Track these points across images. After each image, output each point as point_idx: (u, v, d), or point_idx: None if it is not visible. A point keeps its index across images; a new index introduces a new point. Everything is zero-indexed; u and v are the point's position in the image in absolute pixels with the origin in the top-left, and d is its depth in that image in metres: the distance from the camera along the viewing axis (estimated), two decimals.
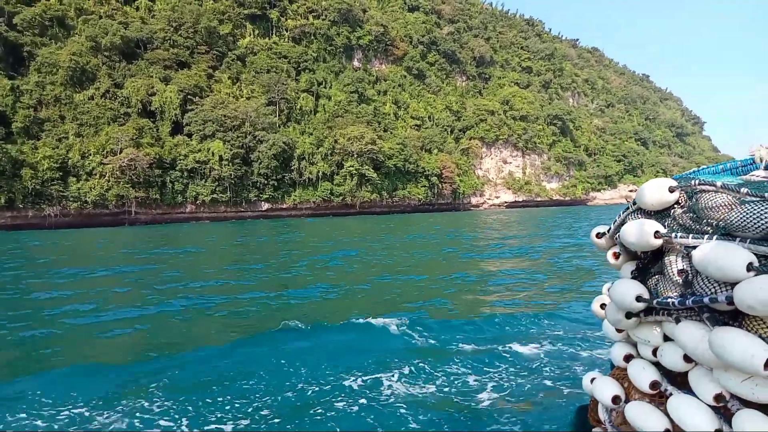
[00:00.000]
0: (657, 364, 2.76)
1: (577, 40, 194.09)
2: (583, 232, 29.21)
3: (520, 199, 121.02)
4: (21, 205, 58.50)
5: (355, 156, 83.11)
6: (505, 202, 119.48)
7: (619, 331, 3.17)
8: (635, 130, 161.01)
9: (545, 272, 14.44)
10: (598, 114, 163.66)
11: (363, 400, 5.13)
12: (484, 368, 5.94)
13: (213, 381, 5.88)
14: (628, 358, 3.01)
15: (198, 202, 72.15)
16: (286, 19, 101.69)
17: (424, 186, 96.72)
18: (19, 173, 58.10)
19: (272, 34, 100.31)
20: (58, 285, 14.27)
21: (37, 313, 10.43)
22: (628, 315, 2.77)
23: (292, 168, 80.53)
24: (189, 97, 76.44)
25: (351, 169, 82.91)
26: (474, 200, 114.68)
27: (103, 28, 74.86)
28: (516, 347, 6.68)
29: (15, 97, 64.10)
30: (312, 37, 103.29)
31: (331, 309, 10.18)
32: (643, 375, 2.74)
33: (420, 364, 6.14)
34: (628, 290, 2.67)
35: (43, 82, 67.48)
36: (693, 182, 2.68)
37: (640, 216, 2.83)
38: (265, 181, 77.13)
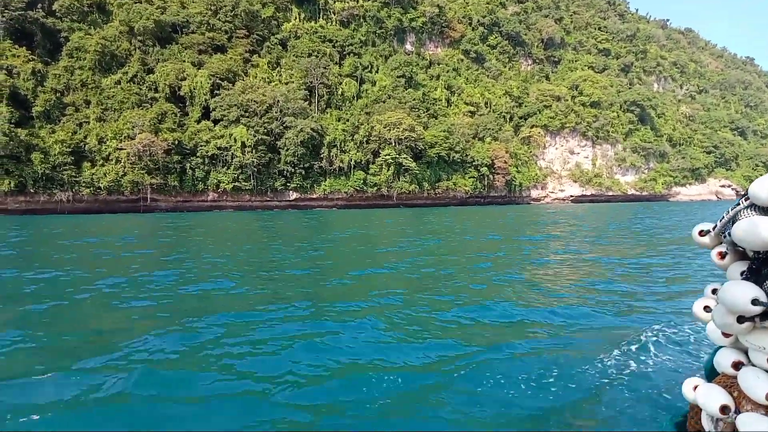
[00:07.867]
0: None
1: (668, 20, 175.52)
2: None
3: (588, 193, 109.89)
4: (32, 190, 57.94)
5: (393, 144, 77.16)
6: (571, 196, 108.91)
7: (726, 335, 2.92)
8: (731, 118, 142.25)
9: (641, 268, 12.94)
10: (688, 101, 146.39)
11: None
12: (562, 365, 5.48)
13: None
14: (737, 366, 2.77)
15: (220, 190, 69.25)
16: (334, 2, 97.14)
17: (473, 177, 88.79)
18: (30, 157, 57.50)
19: (319, 17, 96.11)
20: None
21: None
22: (740, 319, 2.54)
23: (322, 156, 75.70)
24: (219, 81, 73.72)
25: (387, 157, 76.81)
26: (534, 193, 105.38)
27: (137, 12, 73.85)
28: (598, 346, 6.04)
29: (37, 80, 63.88)
30: (361, 20, 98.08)
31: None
32: (757, 385, 2.55)
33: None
34: (743, 292, 2.44)
35: (72, 67, 67.02)
36: None
37: (754, 213, 2.53)
38: (293, 170, 72.72)
